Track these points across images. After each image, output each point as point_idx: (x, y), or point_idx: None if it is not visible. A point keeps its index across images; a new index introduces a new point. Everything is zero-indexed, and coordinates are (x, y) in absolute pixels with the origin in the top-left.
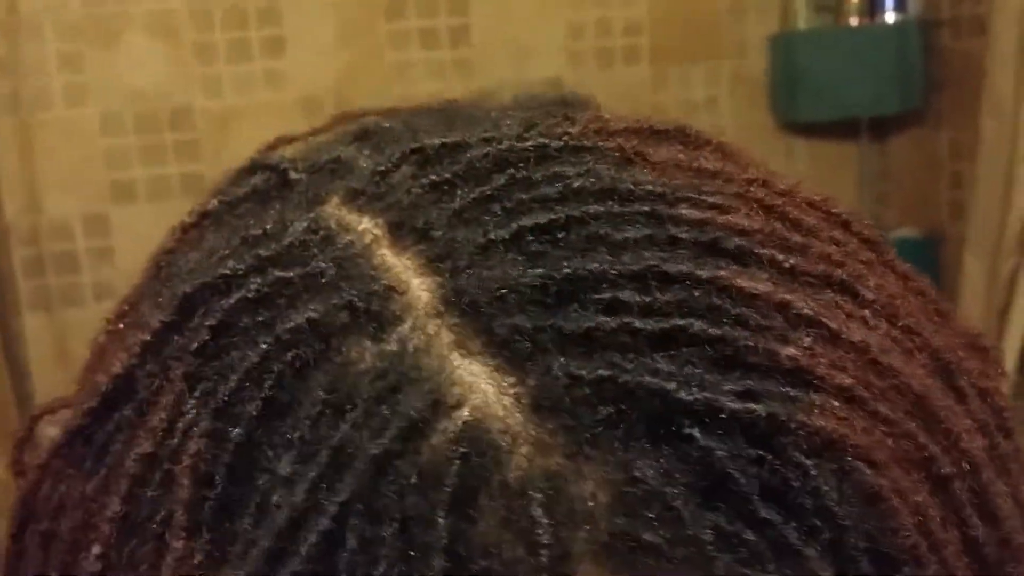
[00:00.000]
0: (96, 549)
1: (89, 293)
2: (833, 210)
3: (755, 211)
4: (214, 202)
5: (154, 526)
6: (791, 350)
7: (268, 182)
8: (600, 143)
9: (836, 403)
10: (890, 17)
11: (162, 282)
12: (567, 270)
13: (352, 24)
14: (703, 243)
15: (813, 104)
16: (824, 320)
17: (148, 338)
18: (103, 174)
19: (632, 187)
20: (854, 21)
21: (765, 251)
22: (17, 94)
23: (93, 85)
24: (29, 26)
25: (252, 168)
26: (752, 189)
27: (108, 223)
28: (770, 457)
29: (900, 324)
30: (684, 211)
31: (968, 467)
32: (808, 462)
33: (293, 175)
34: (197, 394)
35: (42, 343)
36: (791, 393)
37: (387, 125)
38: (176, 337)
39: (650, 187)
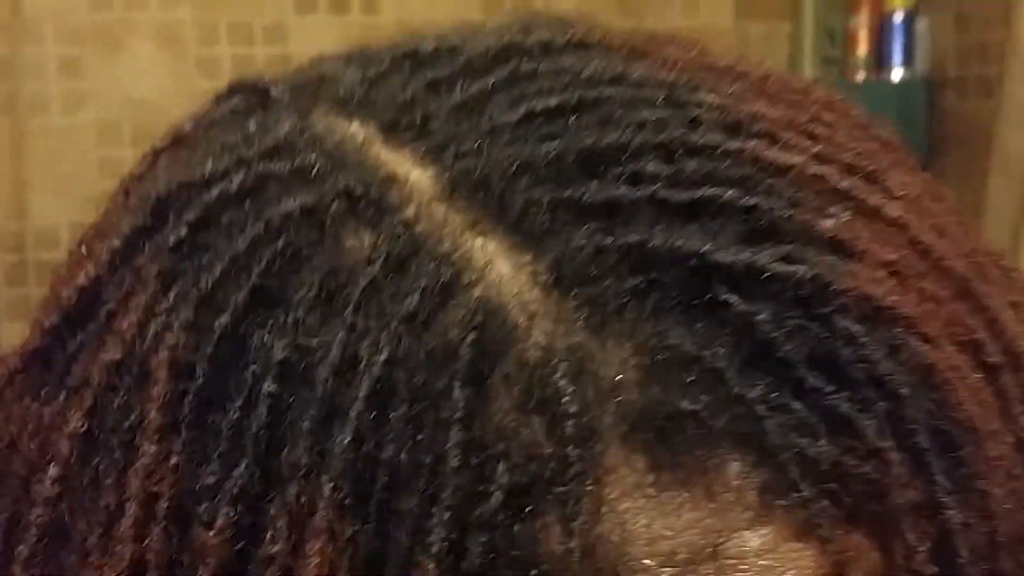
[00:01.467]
0: (53, 471)
1: None
2: (851, 111)
3: (776, 102)
4: (188, 124)
5: (122, 435)
6: (829, 222)
7: (248, 101)
8: (607, 41)
9: (882, 274)
10: (896, 74)
11: (131, 201)
12: (585, 142)
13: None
14: (727, 124)
15: None
16: (861, 196)
17: (116, 244)
18: (96, 184)
19: (646, 75)
20: (860, 76)
21: (790, 135)
22: (14, 96)
23: (92, 92)
24: (31, 28)
25: (230, 91)
26: (769, 84)
27: None
28: (816, 324)
29: (931, 222)
30: (704, 96)
31: (1016, 361)
32: (858, 328)
33: (274, 92)
34: (175, 290)
35: None
36: (834, 260)
37: (374, 47)
38: (148, 241)
39: (664, 75)
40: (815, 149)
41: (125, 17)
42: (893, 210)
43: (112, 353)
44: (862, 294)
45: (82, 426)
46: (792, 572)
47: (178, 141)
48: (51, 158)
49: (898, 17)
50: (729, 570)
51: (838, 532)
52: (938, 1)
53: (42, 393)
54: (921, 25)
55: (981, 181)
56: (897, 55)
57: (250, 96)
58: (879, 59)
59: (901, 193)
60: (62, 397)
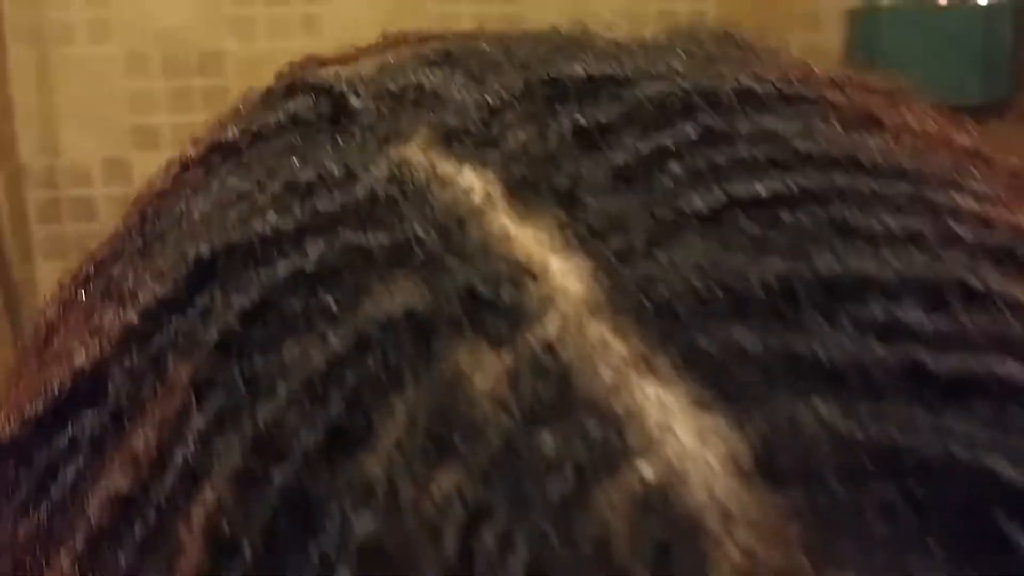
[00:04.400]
0: None
1: None
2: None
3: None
4: (233, 130)
5: None
6: None
7: (317, 110)
8: (823, 94)
9: None
10: None
11: (153, 238)
12: (819, 266)
13: (396, 6)
14: (995, 249)
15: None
16: None
17: (134, 320)
18: (126, 117)
19: (882, 158)
20: (943, 2)
21: None
22: (38, 26)
23: (118, 22)
24: None
25: (291, 89)
26: (1020, 175)
27: (130, 169)
28: None
29: None
30: (958, 199)
31: None
32: None
33: (355, 102)
34: (213, 412)
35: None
36: None
37: (482, 47)
38: (182, 322)
39: (903, 162)
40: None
41: None
42: None
43: (118, 483)
44: None
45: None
46: None
47: (219, 154)
48: (79, 90)
49: None
50: None
51: None
52: None
53: (15, 499)
54: None
55: None
56: None
57: (320, 102)
58: None
59: None
60: (42, 516)
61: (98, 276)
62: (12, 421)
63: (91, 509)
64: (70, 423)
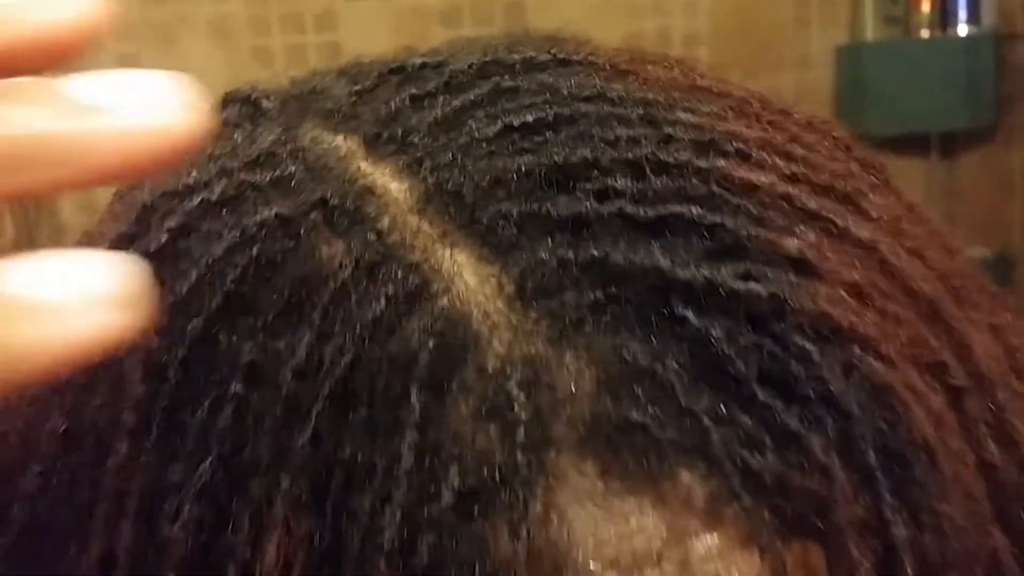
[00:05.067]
0: (34, 467)
1: None
2: (834, 132)
3: (754, 122)
4: None
5: (97, 434)
6: (793, 242)
7: (240, 113)
8: (590, 58)
9: (843, 294)
10: (962, 30)
11: (122, 198)
12: (556, 158)
13: (408, 32)
14: (701, 142)
15: (880, 118)
16: (830, 216)
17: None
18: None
19: (624, 94)
20: (925, 34)
21: (765, 155)
22: None
23: None
24: None
25: (223, 102)
26: (750, 104)
27: None
28: (770, 341)
29: (906, 244)
30: (680, 115)
31: (982, 384)
32: (812, 347)
33: (266, 104)
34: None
35: None
36: (794, 279)
37: (370, 60)
38: (131, 247)
39: (643, 94)
40: (788, 169)
41: (178, 12)
42: (863, 231)
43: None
44: (819, 313)
45: (62, 425)
46: None
47: None
48: None
49: None
50: (673, 575)
51: (781, 544)
52: None
53: (27, 392)
54: None
55: None
56: (962, 11)
57: (242, 108)
58: (943, 16)
59: (876, 215)
60: (45, 395)
61: (90, 235)
62: None
63: (74, 377)
64: None
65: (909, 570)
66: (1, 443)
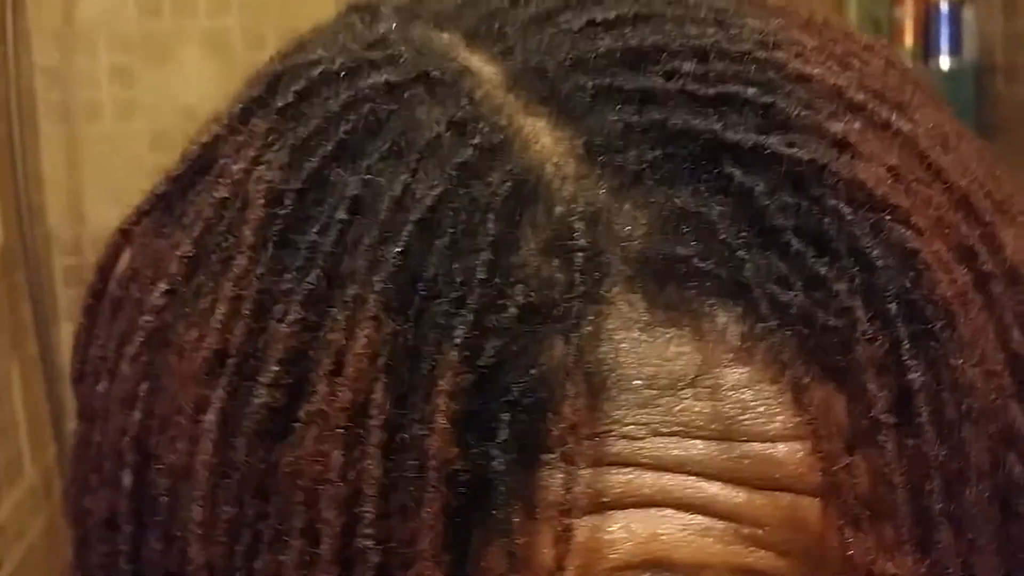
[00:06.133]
0: (162, 285)
1: None
2: (891, 56)
3: (816, 34)
4: (309, 33)
5: (221, 252)
6: (839, 125)
7: (360, 17)
8: None
9: (879, 169)
10: (944, 62)
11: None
12: (631, 42)
13: None
14: (761, 41)
15: None
16: (875, 109)
17: (236, 110)
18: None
19: (700, 1)
20: (908, 66)
21: (821, 57)
22: (67, 105)
23: (143, 101)
24: (83, 38)
25: (348, 9)
26: (815, 21)
27: None
28: (807, 201)
29: (947, 147)
30: (750, 20)
31: (1011, 276)
32: (846, 209)
33: (383, 9)
34: (276, 139)
35: None
36: (835, 152)
37: None
38: (262, 107)
39: (720, 2)
40: (844, 75)
41: (174, 25)
42: (905, 126)
43: (222, 191)
44: (855, 180)
45: (190, 250)
46: (762, 407)
47: (298, 44)
48: (105, 164)
49: (944, 6)
50: (705, 397)
51: (807, 378)
52: None
53: (162, 230)
54: (968, 13)
55: None
56: (944, 44)
57: (363, 13)
58: (926, 48)
59: (920, 119)
60: (178, 231)
61: (225, 106)
62: (159, 184)
63: (204, 211)
64: (196, 178)
65: (924, 414)
66: (135, 273)
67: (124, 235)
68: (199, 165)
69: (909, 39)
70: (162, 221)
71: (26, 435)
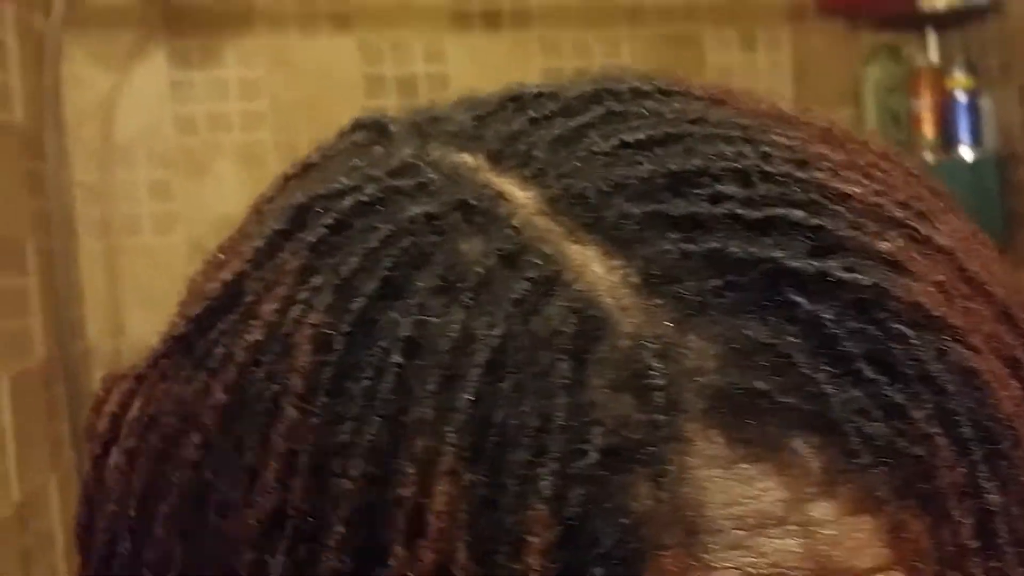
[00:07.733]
0: (196, 438)
1: None
2: (905, 162)
3: (837, 147)
4: (316, 155)
5: (265, 402)
6: (886, 244)
7: (369, 135)
8: (688, 89)
9: (932, 289)
10: (967, 153)
11: (265, 217)
12: (671, 166)
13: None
14: (795, 160)
15: None
16: (914, 225)
17: (260, 245)
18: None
19: (723, 118)
20: (929, 157)
21: (850, 173)
22: (107, 220)
23: (181, 213)
24: (123, 154)
25: (352, 127)
26: (832, 133)
27: None
28: (873, 326)
29: (976, 256)
30: (775, 137)
31: None
32: (910, 332)
33: (393, 128)
34: (315, 280)
35: None
36: (890, 273)
37: (478, 96)
38: (289, 242)
39: (740, 119)
40: (873, 187)
41: (210, 140)
42: (942, 239)
43: (255, 334)
44: (915, 303)
45: (224, 398)
46: (851, 542)
47: (307, 168)
48: (144, 276)
49: (962, 97)
50: (794, 536)
51: (893, 506)
52: (999, 78)
53: (182, 375)
54: (986, 103)
55: None
56: (965, 134)
57: (371, 131)
58: (946, 139)
59: (948, 230)
60: (203, 376)
61: (227, 248)
62: (177, 325)
63: (237, 355)
64: (217, 319)
65: (1004, 534)
66: (154, 421)
67: (138, 380)
68: (221, 303)
69: (930, 131)
70: (181, 364)
71: (63, 549)
